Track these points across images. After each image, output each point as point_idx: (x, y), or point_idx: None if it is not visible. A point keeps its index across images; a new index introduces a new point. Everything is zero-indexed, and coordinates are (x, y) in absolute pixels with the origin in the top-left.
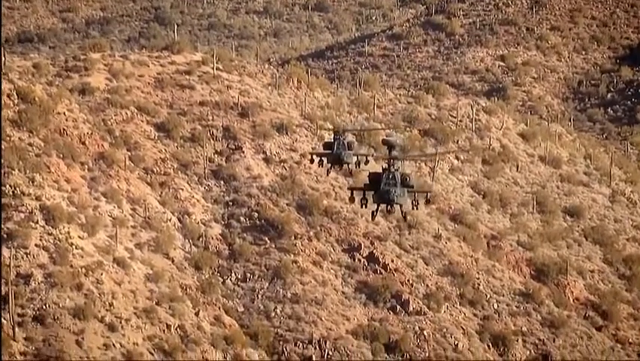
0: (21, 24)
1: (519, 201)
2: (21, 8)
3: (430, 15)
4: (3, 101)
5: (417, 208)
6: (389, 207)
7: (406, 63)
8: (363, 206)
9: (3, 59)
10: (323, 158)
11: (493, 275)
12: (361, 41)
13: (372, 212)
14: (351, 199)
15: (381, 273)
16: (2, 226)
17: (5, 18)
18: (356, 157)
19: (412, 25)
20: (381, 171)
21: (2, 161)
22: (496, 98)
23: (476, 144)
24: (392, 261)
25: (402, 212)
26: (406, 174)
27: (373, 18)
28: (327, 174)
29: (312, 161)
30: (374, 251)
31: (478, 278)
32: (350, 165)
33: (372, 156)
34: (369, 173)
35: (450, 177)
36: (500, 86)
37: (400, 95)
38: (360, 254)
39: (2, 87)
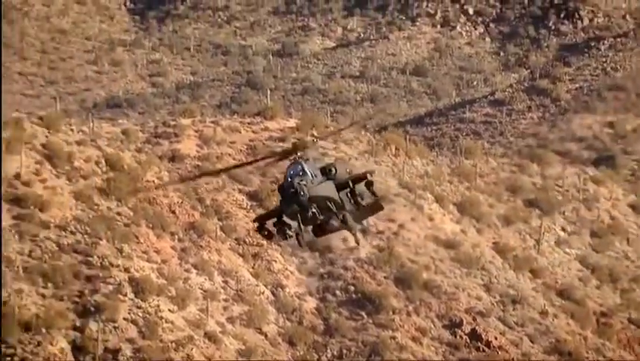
0: (110, 89)
1: (630, 277)
2: (110, 72)
3: (534, 80)
4: (91, 169)
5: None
6: None
7: (509, 130)
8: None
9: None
10: (287, 222)
11: (604, 355)
12: (462, 107)
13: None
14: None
15: (484, 351)
16: (88, 298)
17: (93, 82)
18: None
19: (516, 91)
20: None
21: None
22: (604, 167)
23: (584, 215)
24: (496, 338)
25: None
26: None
27: (474, 83)
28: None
29: (264, 232)
30: (476, 328)
31: (587, 357)
32: (354, 233)
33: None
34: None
35: (556, 250)
36: (609, 154)
37: (503, 163)
38: (461, 330)
39: (91, 153)
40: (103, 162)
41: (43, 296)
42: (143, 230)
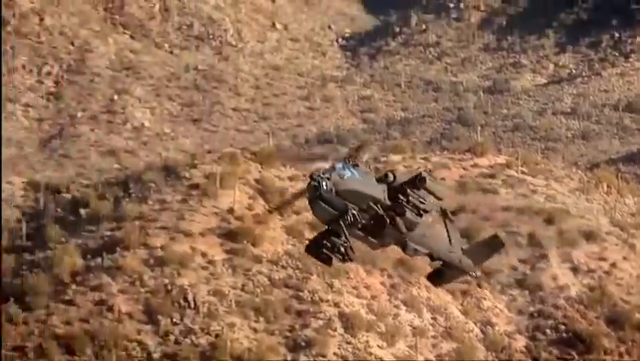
0: (321, 125)
1: None
2: (321, 108)
3: None
4: (303, 204)
5: None
6: None
7: None
8: None
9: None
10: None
11: None
12: None
13: None
14: None
15: None
16: (299, 332)
17: (305, 118)
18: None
19: None
20: None
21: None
22: None
23: None
24: None
25: None
26: None
27: None
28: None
29: (321, 257)
30: None
31: None
32: (474, 275)
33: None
34: None
35: None
36: None
37: None
38: None
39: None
40: None
41: (255, 330)
42: (353, 266)
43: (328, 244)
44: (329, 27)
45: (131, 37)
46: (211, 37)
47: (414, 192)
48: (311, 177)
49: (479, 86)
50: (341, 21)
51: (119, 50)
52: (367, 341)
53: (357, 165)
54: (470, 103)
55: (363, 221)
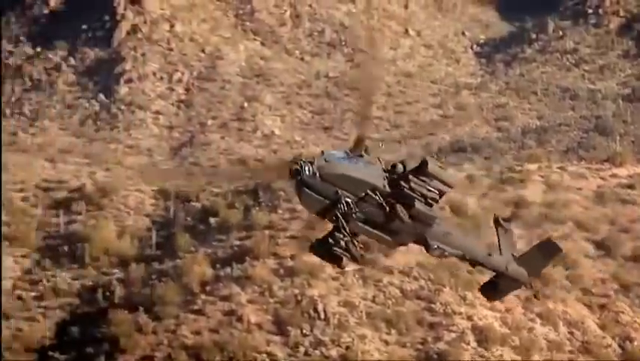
0: (454, 133)
1: None
2: (455, 116)
3: None
4: None
5: None
6: None
7: None
8: None
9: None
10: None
11: None
12: None
13: None
14: None
15: None
16: (431, 345)
17: (438, 126)
18: None
19: None
20: None
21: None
22: None
23: None
24: None
25: None
26: None
27: None
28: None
29: (329, 258)
30: None
31: None
32: (529, 285)
33: None
34: None
35: None
36: None
37: None
38: None
39: None
40: (447, 207)
41: (386, 343)
42: (486, 278)
43: (332, 242)
44: (463, 33)
45: (262, 43)
46: (343, 43)
47: (420, 180)
48: (292, 161)
49: (618, 94)
50: (475, 27)
51: (249, 57)
52: (501, 355)
53: (362, 156)
54: (609, 111)
55: (357, 210)
